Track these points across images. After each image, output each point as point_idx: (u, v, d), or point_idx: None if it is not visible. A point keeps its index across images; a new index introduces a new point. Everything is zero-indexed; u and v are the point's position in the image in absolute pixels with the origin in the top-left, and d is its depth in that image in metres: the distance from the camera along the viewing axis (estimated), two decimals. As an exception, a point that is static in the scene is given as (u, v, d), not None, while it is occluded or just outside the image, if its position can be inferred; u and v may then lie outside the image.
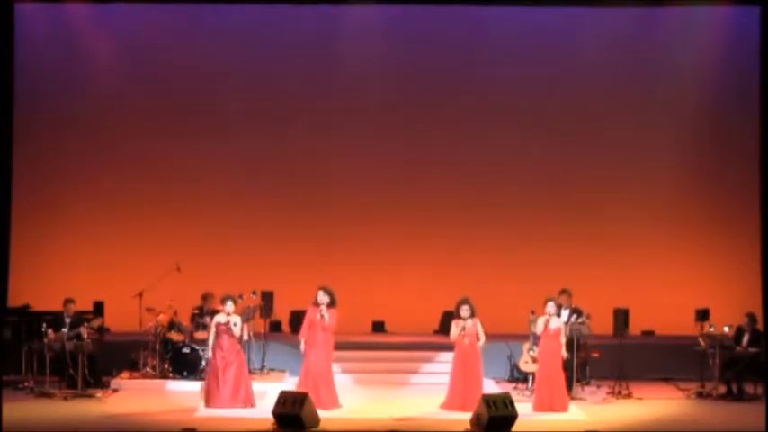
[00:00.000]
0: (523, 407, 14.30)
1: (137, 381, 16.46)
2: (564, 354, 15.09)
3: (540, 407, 14.76)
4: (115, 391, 15.95)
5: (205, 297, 16.92)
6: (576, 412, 14.75)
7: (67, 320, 16.02)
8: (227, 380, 14.82)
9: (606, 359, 16.56)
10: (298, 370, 15.34)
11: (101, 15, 19.32)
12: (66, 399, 15.29)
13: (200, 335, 16.49)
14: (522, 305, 16.07)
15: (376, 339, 18.88)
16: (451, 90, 19.63)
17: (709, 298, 17.46)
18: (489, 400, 13.44)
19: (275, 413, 13.49)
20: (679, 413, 14.95)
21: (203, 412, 14.55)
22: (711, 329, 16.19)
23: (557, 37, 19.52)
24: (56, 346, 15.78)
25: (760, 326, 16.78)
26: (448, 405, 14.87)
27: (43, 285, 18.58)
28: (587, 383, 16.44)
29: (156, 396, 15.70)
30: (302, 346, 15.04)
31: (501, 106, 19.70)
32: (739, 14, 19.23)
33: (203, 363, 16.03)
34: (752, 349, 16.06)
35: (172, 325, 16.75)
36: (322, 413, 13.93)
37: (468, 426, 13.50)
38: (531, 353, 15.96)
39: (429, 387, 16.34)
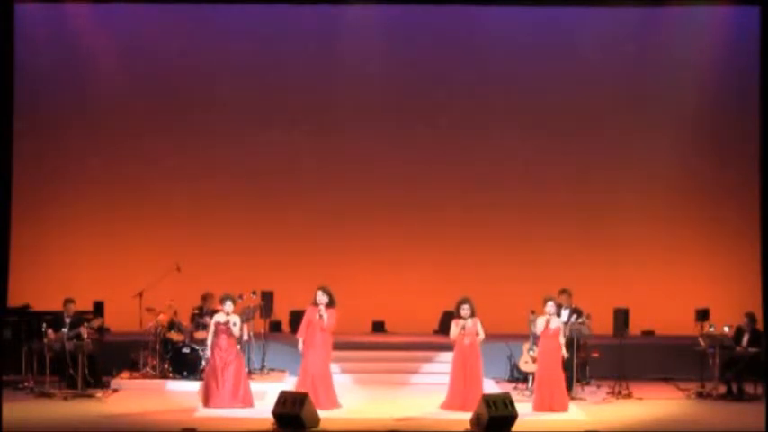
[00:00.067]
0: (523, 407, 14.30)
1: (137, 381, 16.46)
2: (564, 353, 15.09)
3: (539, 407, 14.76)
4: (115, 391, 15.95)
5: (205, 297, 16.92)
6: (576, 412, 14.74)
7: (67, 320, 16.01)
8: (227, 379, 14.82)
9: (606, 359, 16.56)
10: (297, 370, 15.33)
11: (101, 15, 19.32)
12: (66, 399, 15.29)
13: (200, 335, 16.48)
14: (522, 305, 16.05)
15: (376, 339, 18.88)
16: (451, 90, 19.62)
17: (709, 298, 17.46)
18: (489, 400, 13.44)
19: (275, 413, 13.49)
20: (679, 413, 14.95)
21: (203, 412, 14.55)
22: (711, 329, 16.19)
23: (557, 37, 19.52)
24: (56, 346, 15.78)
25: (760, 326, 16.78)
26: (448, 405, 14.87)
27: (43, 285, 18.58)
28: (587, 383, 16.45)
29: (156, 396, 15.70)
30: (300, 346, 15.04)
31: (501, 106, 19.71)
32: (739, 14, 19.23)
33: (203, 363, 16.03)
34: (752, 349, 16.06)
35: (172, 325, 16.75)
36: (322, 413, 13.93)
37: (468, 426, 13.50)
38: (531, 353, 15.96)
39: (429, 387, 16.34)
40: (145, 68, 19.49)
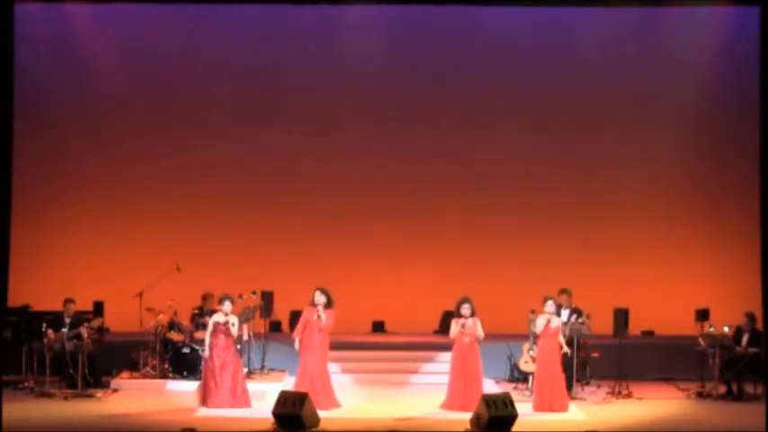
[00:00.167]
0: (523, 407, 14.29)
1: (137, 381, 16.45)
2: (566, 349, 15.09)
3: (539, 407, 14.75)
4: (115, 391, 15.95)
5: (205, 297, 16.92)
6: (576, 412, 14.74)
7: (67, 320, 16.01)
8: (225, 379, 14.81)
9: (606, 359, 16.56)
10: (296, 370, 15.31)
11: (101, 15, 19.31)
12: (66, 399, 15.29)
13: (200, 335, 16.46)
14: (522, 305, 16.05)
15: (376, 339, 18.88)
16: (451, 90, 19.61)
17: (709, 298, 17.46)
18: (489, 400, 13.44)
19: (275, 413, 13.49)
20: (679, 413, 14.95)
21: (203, 412, 14.54)
22: (711, 329, 16.19)
23: (557, 37, 19.52)
24: (56, 346, 15.77)
25: (759, 326, 16.78)
26: (448, 405, 14.87)
27: (43, 285, 18.58)
28: (587, 383, 16.45)
29: (156, 396, 15.69)
30: (297, 345, 15.04)
31: (501, 106, 19.70)
32: (739, 14, 19.24)
33: (203, 363, 16.02)
34: (752, 349, 16.06)
35: (172, 325, 16.75)
36: (322, 413, 13.93)
37: (468, 426, 13.50)
38: (531, 353, 15.96)
39: (429, 387, 16.34)
40: (145, 68, 19.49)
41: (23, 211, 19.03)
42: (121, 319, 17.95)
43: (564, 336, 15.19)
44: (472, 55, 19.64)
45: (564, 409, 14.76)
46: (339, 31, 19.36)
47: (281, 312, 18.87)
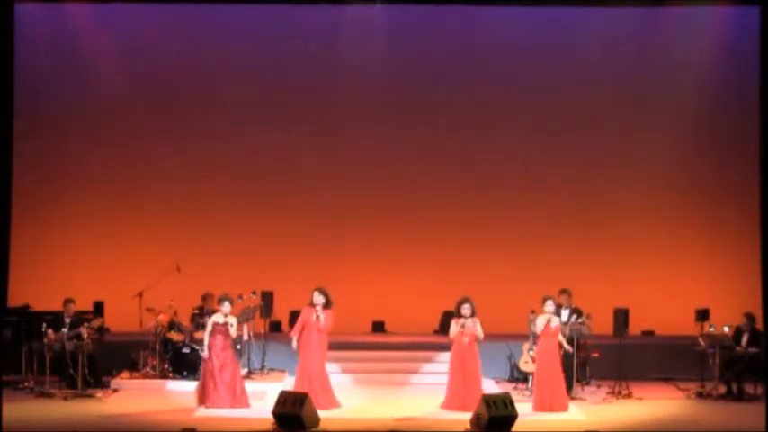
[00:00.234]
0: (523, 407, 14.29)
1: (137, 381, 16.45)
2: (567, 347, 15.09)
3: (539, 407, 14.75)
4: (115, 391, 15.95)
5: (205, 297, 16.92)
6: (576, 412, 14.74)
7: (67, 320, 16.00)
8: (224, 380, 14.80)
9: (606, 359, 16.56)
10: (295, 370, 15.31)
11: (101, 15, 19.32)
12: (66, 399, 15.29)
13: (200, 335, 16.44)
14: (522, 305, 16.04)
15: (376, 339, 18.88)
16: (451, 90, 19.62)
17: (709, 298, 17.47)
18: (489, 400, 13.44)
19: (275, 413, 13.49)
20: (679, 413, 14.95)
21: (203, 412, 14.54)
22: (711, 329, 16.19)
23: (557, 37, 19.52)
24: (56, 346, 15.77)
25: (759, 326, 16.79)
26: (447, 405, 14.87)
27: (43, 285, 18.58)
28: (587, 383, 16.45)
29: (156, 396, 15.69)
30: (294, 344, 15.05)
31: (501, 106, 19.71)
32: (739, 14, 19.24)
33: (203, 363, 16.02)
34: (752, 349, 16.06)
35: (172, 325, 16.75)
36: (321, 413, 13.93)
37: (468, 426, 13.50)
38: (531, 353, 15.95)
39: (429, 387, 16.34)
40: (145, 68, 19.49)
41: (23, 211, 19.04)
42: (121, 319, 17.95)
43: (564, 336, 15.21)
44: (472, 55, 19.65)
45: (564, 409, 14.76)
46: (339, 31, 19.35)
47: (281, 312, 18.87)
